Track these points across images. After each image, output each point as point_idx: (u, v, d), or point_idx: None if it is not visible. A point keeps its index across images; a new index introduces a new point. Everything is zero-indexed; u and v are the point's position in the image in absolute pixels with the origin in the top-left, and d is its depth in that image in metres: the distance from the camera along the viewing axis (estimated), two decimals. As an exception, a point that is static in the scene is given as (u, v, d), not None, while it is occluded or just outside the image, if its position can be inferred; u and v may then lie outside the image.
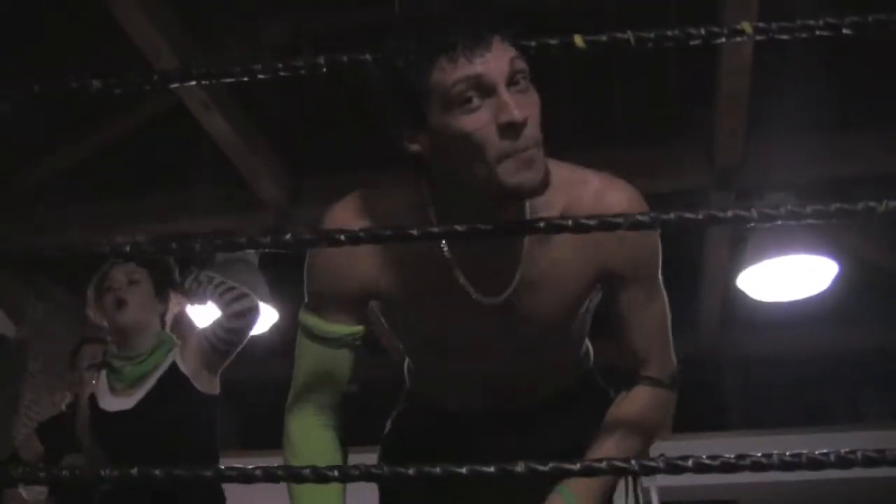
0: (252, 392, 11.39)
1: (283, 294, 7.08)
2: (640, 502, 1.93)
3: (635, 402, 1.84)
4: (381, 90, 1.60)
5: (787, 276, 6.04)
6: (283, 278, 7.43)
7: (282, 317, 6.90)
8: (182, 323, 3.26)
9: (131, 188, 6.70)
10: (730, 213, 1.12)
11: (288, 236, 1.30)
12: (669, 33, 1.12)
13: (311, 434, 1.82)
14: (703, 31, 1.14)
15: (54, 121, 6.51)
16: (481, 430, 1.93)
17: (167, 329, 3.07)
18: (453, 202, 1.65)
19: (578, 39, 1.15)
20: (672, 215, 1.09)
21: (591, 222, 1.09)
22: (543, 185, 1.55)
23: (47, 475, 1.46)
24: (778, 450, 1.14)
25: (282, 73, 1.42)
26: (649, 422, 1.83)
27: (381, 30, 1.68)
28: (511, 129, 1.50)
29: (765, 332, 7.96)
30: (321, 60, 1.42)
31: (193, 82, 1.57)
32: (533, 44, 1.35)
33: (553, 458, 1.75)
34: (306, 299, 1.82)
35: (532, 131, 1.52)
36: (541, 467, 1.10)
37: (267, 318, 6.89)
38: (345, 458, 1.82)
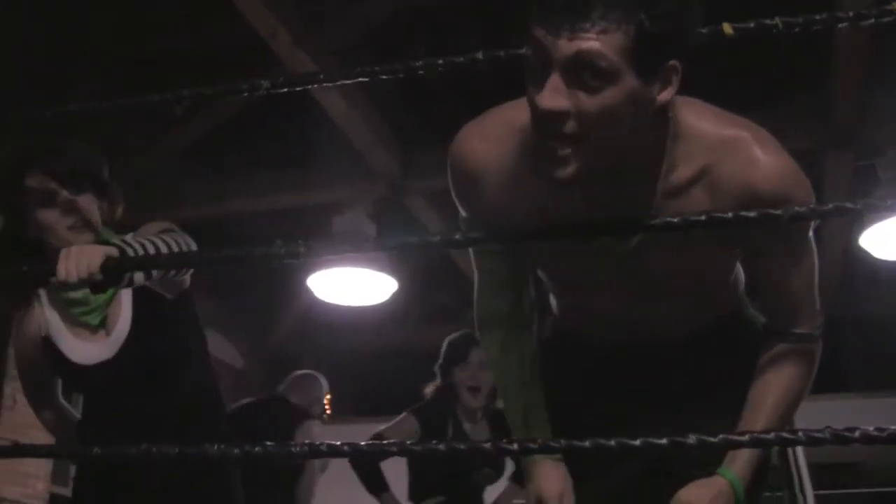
0: (368, 360, 11.62)
1: (401, 264, 7.21)
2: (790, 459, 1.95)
3: (787, 365, 1.81)
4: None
5: (913, 234, 5.87)
6: (400, 251, 7.52)
7: (400, 287, 7.02)
8: None
9: (246, 164, 6.86)
10: (890, 202, 1.11)
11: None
12: (817, 17, 1.11)
13: (494, 330, 1.93)
14: (851, 14, 1.13)
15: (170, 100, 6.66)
16: (618, 362, 1.95)
17: None
18: None
19: (727, 27, 1.15)
20: (831, 206, 1.09)
21: (751, 214, 1.09)
22: (576, 179, 1.51)
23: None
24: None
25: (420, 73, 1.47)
26: (802, 382, 1.83)
27: (481, 5, 1.67)
28: (541, 116, 1.46)
29: (887, 292, 7.76)
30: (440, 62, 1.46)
31: (329, 84, 1.62)
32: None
33: (682, 395, 1.85)
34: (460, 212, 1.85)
35: (577, 130, 1.46)
36: (711, 440, 1.10)
37: (386, 287, 7.03)
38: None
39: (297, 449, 1.27)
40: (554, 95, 1.41)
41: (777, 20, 1.12)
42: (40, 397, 2.62)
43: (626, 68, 1.41)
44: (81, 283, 1.84)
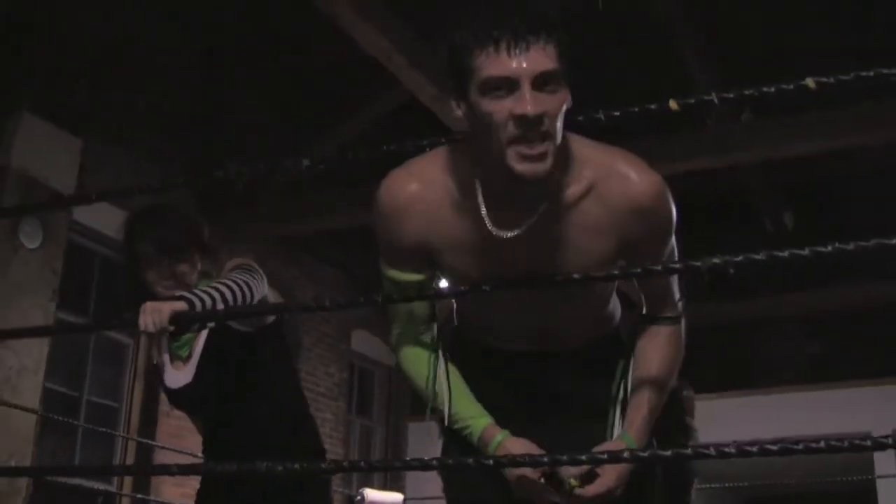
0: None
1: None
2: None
3: (665, 342, 2.13)
4: (444, 59, 1.87)
5: None
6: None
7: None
8: None
9: (369, 176, 7.19)
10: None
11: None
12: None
13: (415, 352, 2.15)
14: None
15: (300, 119, 7.11)
16: (515, 366, 2.19)
17: None
18: (492, 167, 1.86)
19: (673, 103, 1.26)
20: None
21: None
22: (548, 175, 1.81)
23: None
24: None
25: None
26: (677, 354, 2.14)
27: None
28: (523, 121, 1.75)
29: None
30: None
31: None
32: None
33: (573, 398, 2.11)
34: (382, 254, 2.10)
35: (548, 127, 1.77)
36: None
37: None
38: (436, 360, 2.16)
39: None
40: (535, 102, 1.75)
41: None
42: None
43: (562, 73, 1.79)
44: (159, 333, 2.20)
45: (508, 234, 1.92)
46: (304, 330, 8.47)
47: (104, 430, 6.88)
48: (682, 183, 3.09)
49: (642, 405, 2.07)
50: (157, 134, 7.04)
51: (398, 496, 7.93)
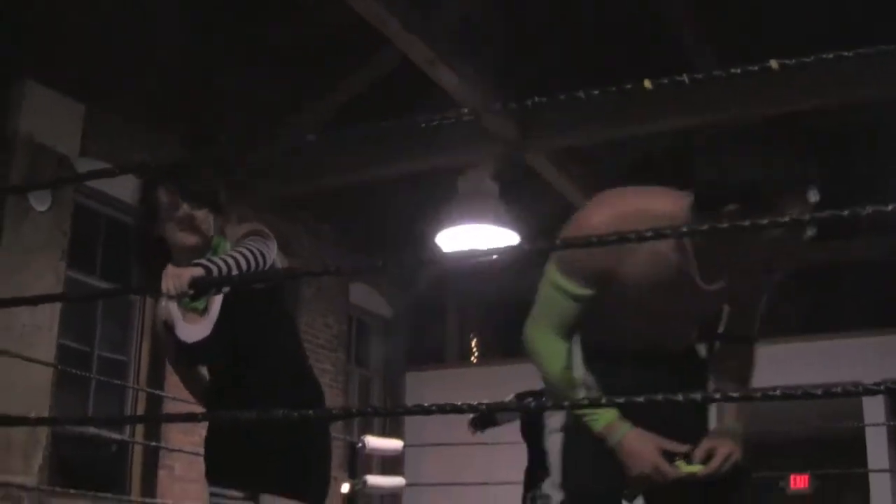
0: (510, 305, 12.08)
1: (521, 219, 7.66)
2: None
3: (746, 357, 2.53)
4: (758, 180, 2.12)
5: None
6: (521, 206, 8.00)
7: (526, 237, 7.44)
8: None
9: (375, 136, 7.39)
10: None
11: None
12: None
13: (553, 346, 2.43)
14: None
15: (297, 84, 7.31)
16: (632, 366, 2.49)
17: None
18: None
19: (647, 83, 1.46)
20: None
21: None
22: None
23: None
24: None
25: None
26: (753, 368, 2.54)
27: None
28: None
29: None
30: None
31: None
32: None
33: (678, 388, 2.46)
34: (561, 265, 2.36)
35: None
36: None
37: (506, 239, 7.48)
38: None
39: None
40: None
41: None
42: (173, 363, 3.24)
43: None
44: (179, 296, 2.46)
45: (712, 287, 2.29)
46: (302, 284, 8.74)
47: (117, 381, 7.18)
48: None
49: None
50: (156, 99, 7.23)
51: (398, 443, 8.24)
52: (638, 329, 2.45)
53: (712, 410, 2.49)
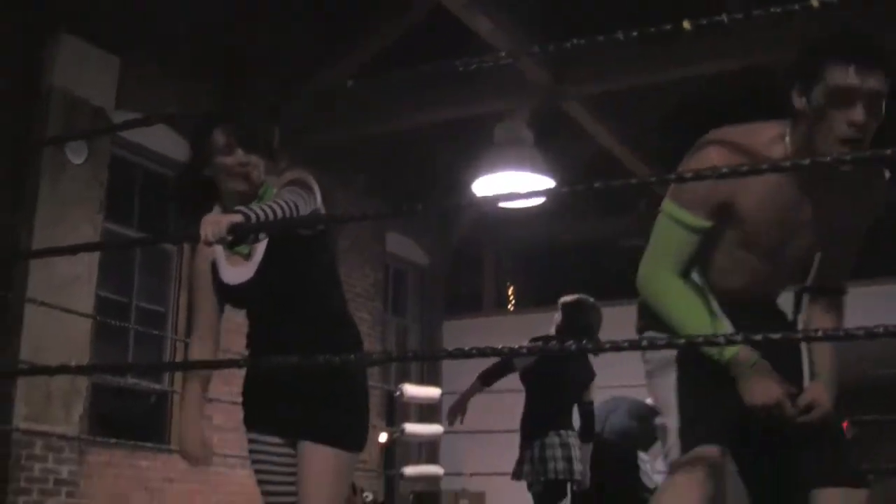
0: (545, 253, 12.08)
1: (556, 166, 7.62)
2: None
3: (840, 307, 2.65)
4: (803, 52, 2.27)
5: None
6: (556, 153, 7.95)
7: (563, 184, 7.40)
8: None
9: (412, 84, 7.35)
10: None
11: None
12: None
13: (675, 282, 2.46)
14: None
15: (331, 32, 7.27)
16: (741, 308, 2.54)
17: None
18: (808, 152, 2.25)
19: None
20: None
21: None
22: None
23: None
24: None
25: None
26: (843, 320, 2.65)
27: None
28: (852, 128, 2.18)
29: None
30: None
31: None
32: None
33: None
34: (680, 198, 2.42)
35: (867, 136, 2.21)
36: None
37: (544, 185, 7.43)
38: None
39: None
40: (864, 118, 2.18)
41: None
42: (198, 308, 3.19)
43: (885, 100, 2.20)
44: (217, 243, 2.46)
45: (820, 197, 2.37)
46: (339, 234, 8.74)
47: (155, 332, 7.25)
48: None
49: (825, 354, 2.55)
50: (190, 51, 7.22)
51: (436, 390, 8.29)
52: (750, 267, 2.50)
53: (806, 363, 2.55)
